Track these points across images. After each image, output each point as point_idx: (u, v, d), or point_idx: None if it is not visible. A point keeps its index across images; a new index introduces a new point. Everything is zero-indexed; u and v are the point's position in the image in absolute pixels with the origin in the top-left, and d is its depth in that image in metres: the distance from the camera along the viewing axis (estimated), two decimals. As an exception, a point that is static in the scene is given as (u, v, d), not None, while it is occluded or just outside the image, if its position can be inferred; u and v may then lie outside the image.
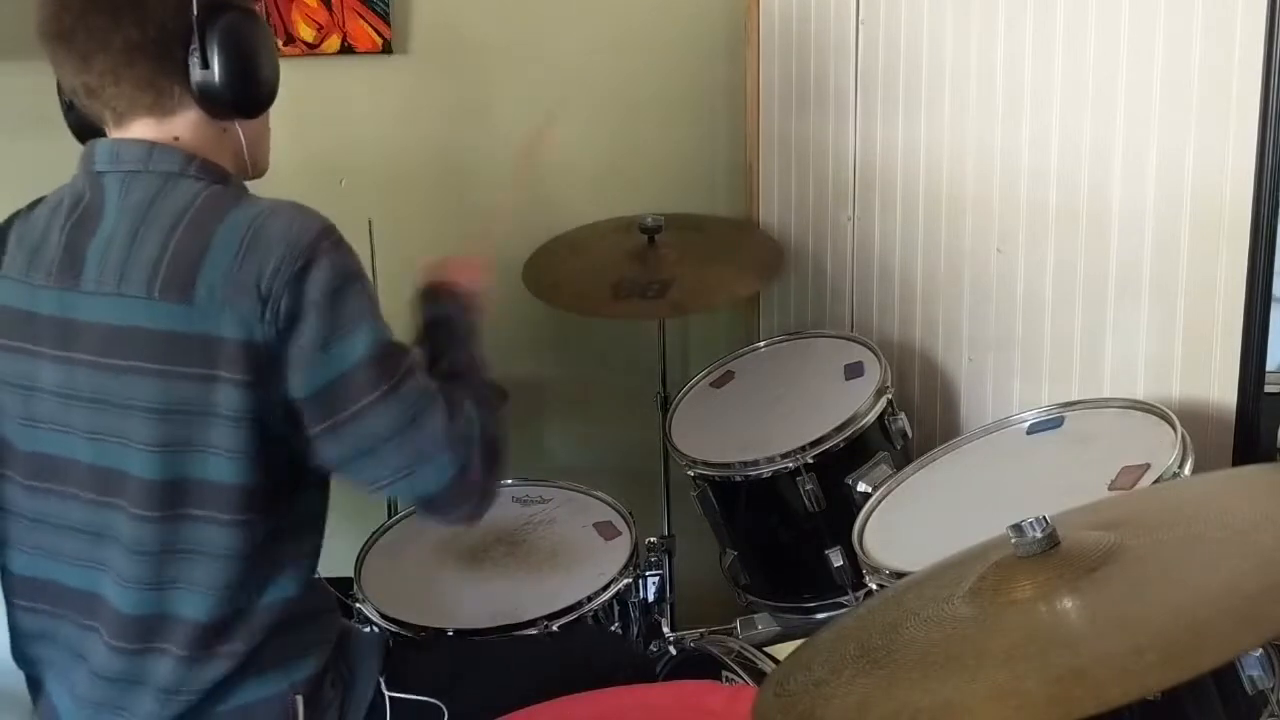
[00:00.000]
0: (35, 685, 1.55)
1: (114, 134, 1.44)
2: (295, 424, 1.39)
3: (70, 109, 1.50)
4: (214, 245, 1.35)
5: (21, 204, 1.51)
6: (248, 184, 1.51)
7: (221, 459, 1.37)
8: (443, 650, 1.81)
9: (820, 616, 2.19)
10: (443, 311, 1.62)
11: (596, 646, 1.88)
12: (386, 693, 1.55)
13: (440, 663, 1.68)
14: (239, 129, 1.47)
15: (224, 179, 1.44)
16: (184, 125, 1.43)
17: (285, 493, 1.44)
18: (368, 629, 1.87)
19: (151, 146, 1.41)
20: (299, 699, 1.46)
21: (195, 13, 1.37)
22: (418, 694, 1.56)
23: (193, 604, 1.41)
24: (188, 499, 1.38)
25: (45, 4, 1.39)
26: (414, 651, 1.77)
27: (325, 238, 1.38)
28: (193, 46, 1.38)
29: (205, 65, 1.39)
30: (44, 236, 1.44)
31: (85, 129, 1.48)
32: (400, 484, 1.42)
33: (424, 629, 1.87)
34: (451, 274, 1.67)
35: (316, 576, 1.55)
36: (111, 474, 1.40)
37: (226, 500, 1.38)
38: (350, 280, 1.38)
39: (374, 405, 1.38)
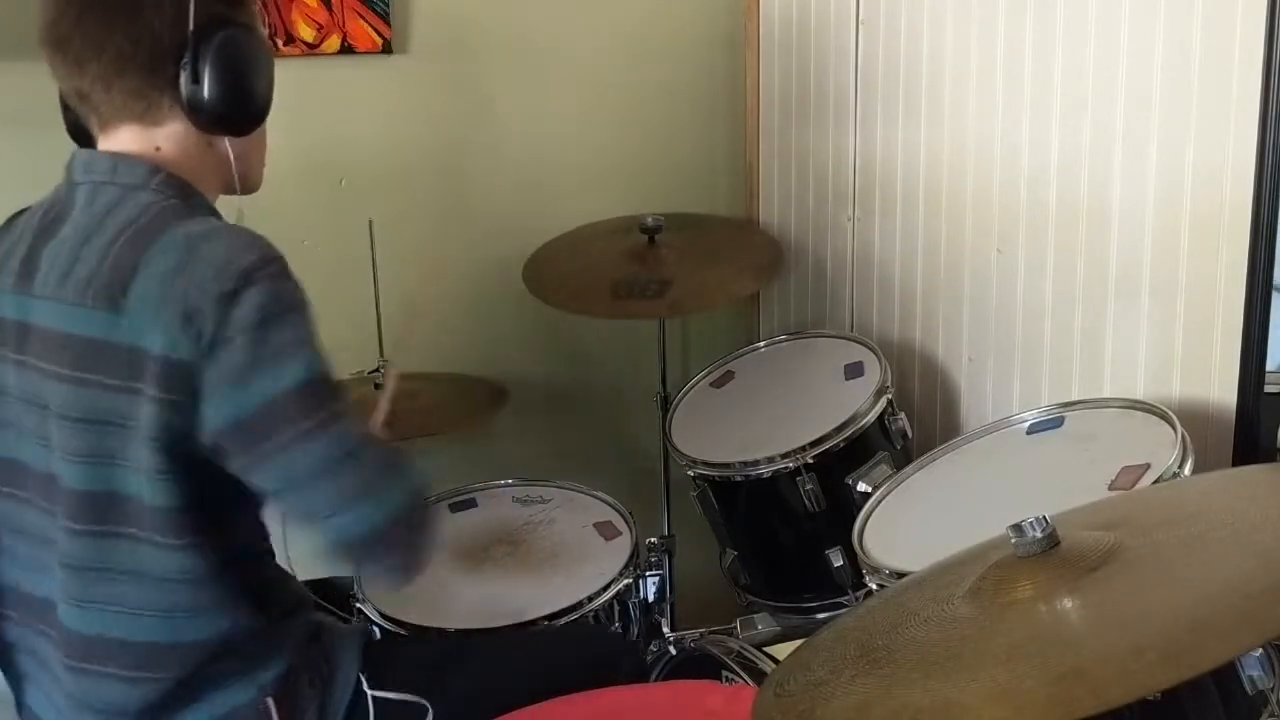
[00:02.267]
0: (17, 692, 1.54)
1: (100, 139, 1.45)
2: (217, 452, 1.35)
3: (67, 109, 1.50)
4: (151, 257, 1.33)
5: (20, 204, 1.51)
6: (242, 199, 1.50)
7: (143, 477, 1.34)
8: (427, 645, 1.79)
9: (820, 616, 2.19)
10: None
11: (586, 639, 1.87)
12: (368, 691, 1.53)
13: (425, 658, 1.66)
14: (228, 144, 1.46)
15: (187, 195, 1.42)
16: (169, 136, 1.43)
17: (224, 519, 1.40)
18: (348, 623, 1.84)
19: (119, 160, 1.41)
20: (270, 701, 1.45)
21: (192, 27, 1.37)
22: (401, 691, 1.54)
23: (128, 628, 1.38)
24: (114, 514, 1.36)
25: (44, 10, 1.40)
26: (397, 648, 1.75)
27: (264, 266, 1.33)
28: (185, 60, 1.38)
29: (196, 80, 1.38)
30: (17, 242, 1.45)
31: (80, 129, 1.48)
32: (324, 525, 1.37)
33: (424, 629, 1.86)
34: None
35: (284, 571, 1.53)
36: (50, 481, 1.39)
37: (156, 522, 1.35)
38: (285, 311, 1.33)
39: (297, 440, 1.33)
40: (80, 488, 1.36)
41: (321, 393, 1.35)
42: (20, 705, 1.54)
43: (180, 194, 1.41)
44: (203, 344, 1.30)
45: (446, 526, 1.47)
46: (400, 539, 1.42)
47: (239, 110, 1.43)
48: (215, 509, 1.39)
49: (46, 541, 1.42)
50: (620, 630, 1.97)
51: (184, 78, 1.38)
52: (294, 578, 1.58)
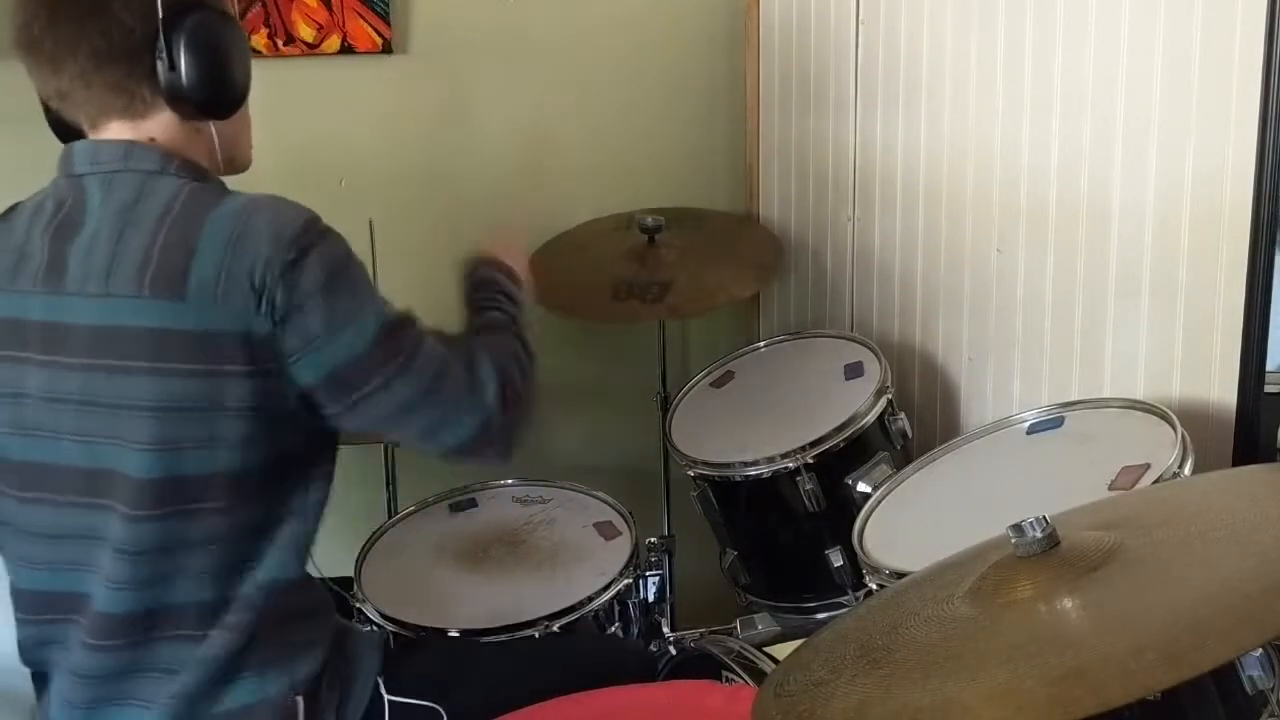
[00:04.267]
0: (41, 681, 1.55)
1: (92, 136, 1.45)
2: (311, 408, 1.42)
3: (49, 109, 1.50)
4: (203, 240, 1.36)
5: (11, 201, 1.51)
6: (229, 180, 1.51)
7: (222, 450, 1.38)
8: (440, 652, 1.80)
9: (820, 616, 2.19)
10: (488, 274, 1.70)
11: (596, 648, 1.88)
12: (386, 696, 1.55)
13: (437, 665, 1.68)
14: (213, 128, 1.47)
15: (203, 176, 1.45)
16: (158, 126, 1.44)
17: (286, 479, 1.45)
18: (368, 628, 1.86)
19: (130, 145, 1.42)
20: (299, 699, 1.46)
21: (161, 15, 1.38)
22: (415, 697, 1.56)
23: (187, 590, 1.42)
24: (185, 494, 1.39)
25: (16, 14, 1.40)
26: (411, 653, 1.76)
27: (312, 228, 1.40)
28: (159, 49, 1.38)
29: (172, 67, 1.39)
30: (26, 243, 1.44)
31: (65, 128, 1.49)
32: (426, 443, 1.50)
33: (424, 629, 1.87)
34: (499, 250, 1.75)
35: (314, 576, 1.55)
36: (101, 475, 1.40)
37: (225, 489, 1.39)
38: (344, 267, 1.41)
39: (389, 383, 1.42)
40: (151, 476, 1.37)
41: (396, 331, 1.44)
42: (43, 691, 1.54)
43: (198, 176, 1.44)
44: (277, 315, 1.36)
45: (535, 398, 1.63)
46: (500, 430, 1.52)
47: (218, 93, 1.44)
48: (286, 468, 1.45)
49: (83, 538, 1.42)
50: (627, 634, 1.97)
51: (160, 67, 1.39)
52: (320, 580, 1.60)
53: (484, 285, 1.70)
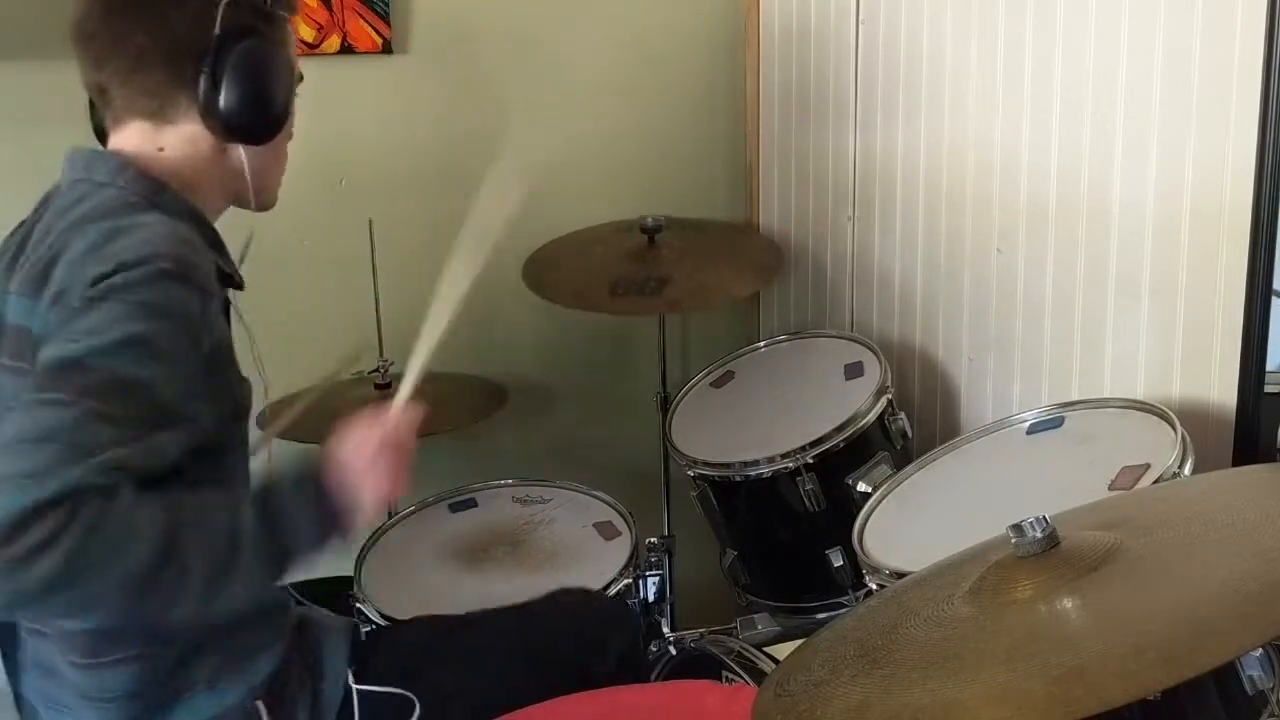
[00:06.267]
0: (15, 687, 1.53)
1: (110, 135, 1.46)
2: None
3: (94, 110, 1.51)
4: (72, 245, 1.32)
5: (23, 201, 1.51)
6: (254, 214, 1.50)
7: None
8: (408, 636, 1.75)
9: (820, 616, 2.19)
10: (321, 496, 1.32)
11: (572, 611, 1.80)
12: (354, 686, 1.52)
13: (406, 650, 1.64)
14: (243, 154, 1.46)
15: (155, 192, 1.39)
16: (178, 137, 1.43)
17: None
18: (342, 620, 1.81)
19: (96, 156, 1.42)
20: (260, 704, 1.44)
21: (218, 31, 1.38)
22: (387, 684, 1.53)
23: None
24: None
25: (75, 7, 1.41)
26: (380, 640, 1.72)
27: (148, 263, 1.26)
28: (205, 63, 1.39)
29: (215, 84, 1.39)
30: (8, 242, 1.46)
31: (102, 131, 1.50)
32: None
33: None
34: (355, 465, 1.34)
35: None
36: None
37: None
38: (126, 299, 1.23)
39: (25, 405, 1.20)
40: None
41: (84, 380, 1.19)
42: (16, 696, 1.53)
43: (147, 190, 1.39)
44: (54, 311, 1.26)
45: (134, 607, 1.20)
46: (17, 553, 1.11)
47: (253, 117, 1.42)
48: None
49: None
50: (609, 596, 1.93)
51: (203, 80, 1.39)
52: None
53: (303, 499, 1.32)
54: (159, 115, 1.42)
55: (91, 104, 1.51)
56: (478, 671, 1.60)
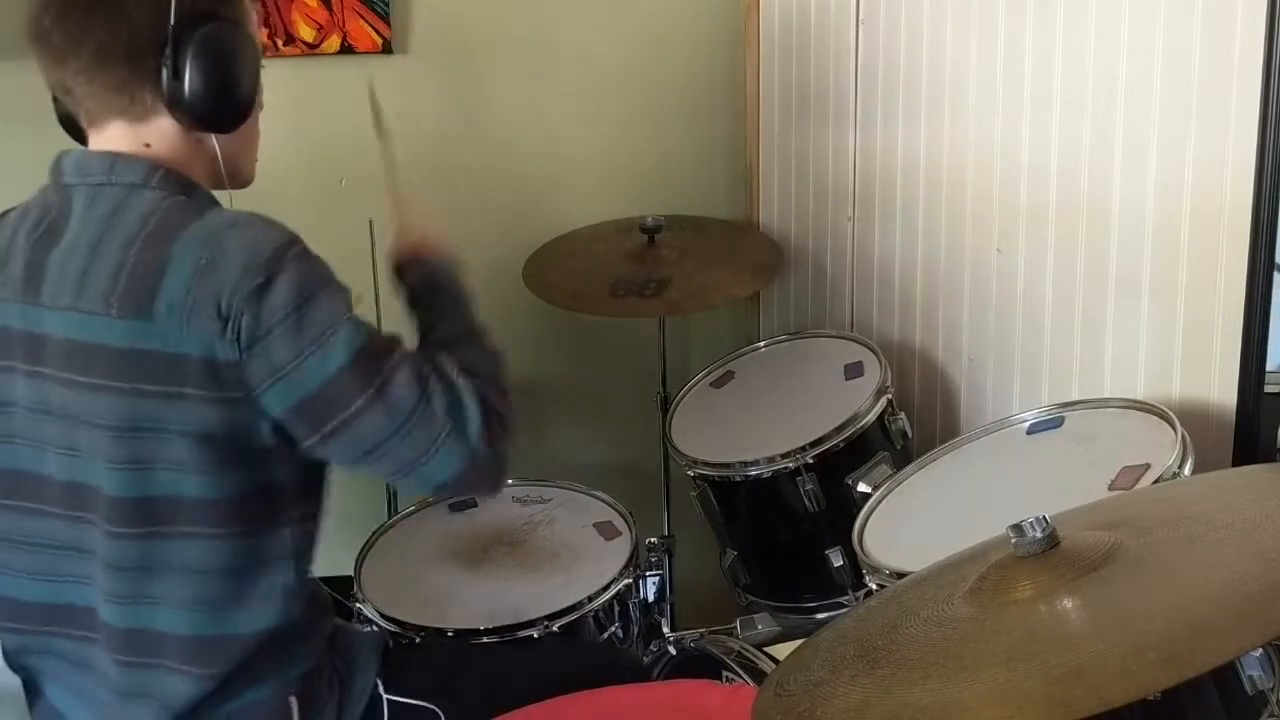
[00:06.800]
0: (32, 689, 1.54)
1: (90, 134, 1.43)
2: (285, 438, 1.37)
3: (58, 100, 1.49)
4: (173, 259, 1.32)
5: (13, 202, 1.51)
6: (238, 193, 1.50)
7: (189, 475, 1.34)
8: (439, 653, 1.80)
9: (820, 616, 2.19)
10: (425, 276, 1.60)
11: (593, 652, 1.88)
12: (385, 695, 1.54)
13: (437, 666, 1.68)
14: (214, 140, 1.44)
15: (189, 190, 1.41)
16: (156, 133, 1.41)
17: (269, 513, 1.41)
18: (367, 628, 1.86)
19: (115, 158, 1.39)
20: (293, 700, 1.46)
21: (172, 21, 1.35)
22: (413, 697, 1.55)
23: (175, 620, 1.39)
24: (161, 516, 1.36)
25: (30, 4, 1.39)
26: (410, 653, 1.76)
27: (286, 251, 1.34)
28: (165, 55, 1.36)
29: (176, 75, 1.36)
30: (10, 249, 1.43)
31: (73, 123, 1.47)
32: (412, 477, 1.41)
33: (424, 629, 1.87)
34: (420, 240, 1.64)
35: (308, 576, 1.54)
36: (83, 490, 1.38)
37: (198, 514, 1.36)
38: (316, 290, 1.35)
39: (363, 411, 1.35)
40: (124, 494, 1.35)
41: (370, 359, 1.36)
42: (35, 698, 1.53)
43: (183, 189, 1.40)
44: (243, 342, 1.31)
45: (515, 414, 1.50)
46: (486, 464, 1.43)
47: (219, 107, 1.40)
48: (266, 501, 1.40)
49: (74, 550, 1.41)
50: (627, 634, 1.97)
51: (165, 73, 1.37)
52: (315, 579, 1.58)
53: (428, 285, 1.60)
54: (130, 112, 1.40)
55: (55, 98, 1.48)
56: (503, 692, 1.61)
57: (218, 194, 1.48)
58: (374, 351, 1.37)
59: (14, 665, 1.53)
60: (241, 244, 1.33)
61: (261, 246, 1.33)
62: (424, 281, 1.60)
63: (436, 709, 1.55)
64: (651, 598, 2.01)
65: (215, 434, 1.33)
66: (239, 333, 1.31)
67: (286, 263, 1.33)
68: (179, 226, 1.35)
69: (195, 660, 1.40)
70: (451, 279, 1.61)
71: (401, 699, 1.55)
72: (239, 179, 1.51)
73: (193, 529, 1.37)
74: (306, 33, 2.40)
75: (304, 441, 1.37)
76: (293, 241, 1.36)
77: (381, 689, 1.55)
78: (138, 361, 1.32)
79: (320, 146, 2.44)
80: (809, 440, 2.11)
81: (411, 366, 1.39)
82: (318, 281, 1.36)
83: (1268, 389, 1.80)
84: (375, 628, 1.87)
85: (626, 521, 2.10)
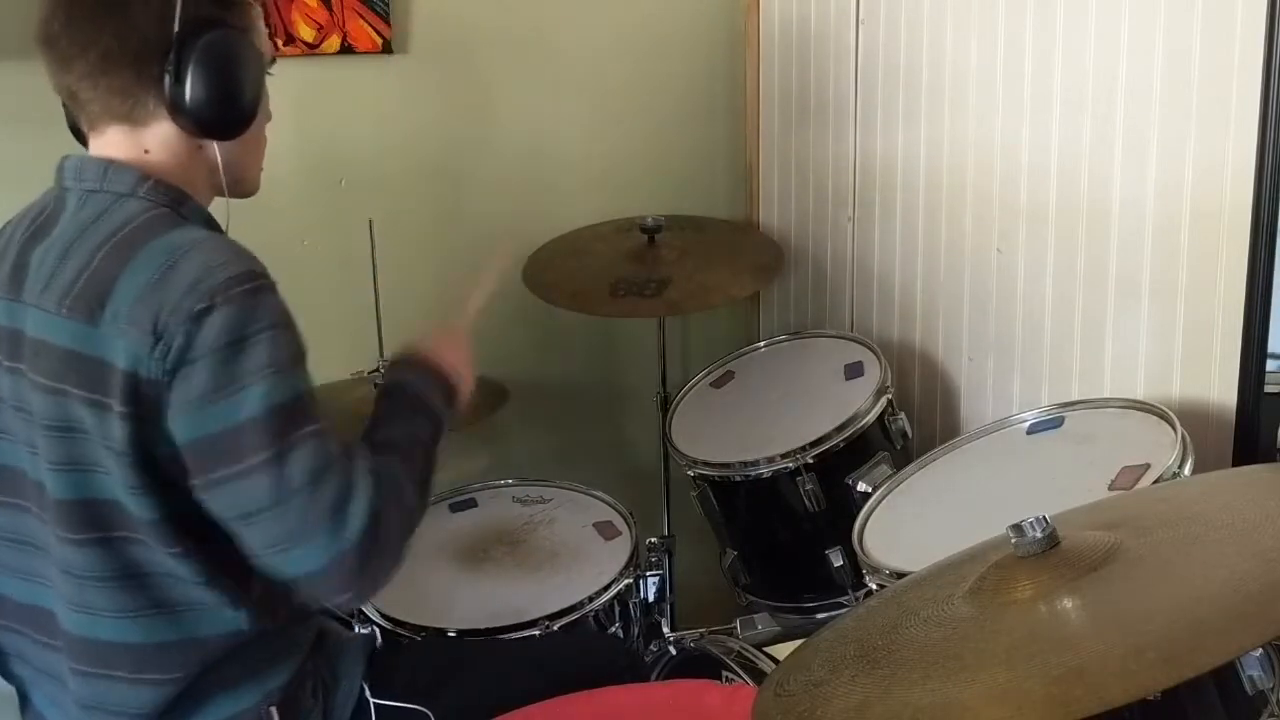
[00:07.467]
0: (23, 696, 1.54)
1: (90, 139, 1.43)
2: (183, 470, 1.31)
3: (68, 108, 1.49)
4: (129, 269, 1.30)
5: (21, 202, 1.51)
6: (236, 202, 1.48)
7: (121, 489, 1.32)
8: (427, 653, 1.79)
9: (820, 616, 2.19)
10: (412, 384, 1.52)
11: (588, 647, 1.87)
12: (371, 699, 1.53)
13: (425, 666, 1.66)
14: (215, 147, 1.43)
15: (178, 203, 1.40)
16: (156, 138, 1.40)
17: (216, 526, 1.33)
18: (367, 629, 1.85)
19: (110, 165, 1.39)
20: (273, 710, 1.44)
21: (176, 27, 1.35)
22: (402, 699, 1.54)
23: (124, 629, 1.37)
24: (103, 521, 1.34)
25: (40, 8, 1.39)
26: (398, 655, 1.74)
27: (240, 284, 1.29)
28: (168, 61, 1.36)
29: (178, 81, 1.36)
30: (6, 248, 1.44)
31: (79, 129, 1.47)
32: (269, 558, 1.31)
33: (424, 629, 1.87)
34: (439, 349, 1.57)
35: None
36: (40, 489, 1.38)
37: (146, 529, 1.33)
38: (257, 332, 1.28)
39: (251, 471, 1.28)
40: (64, 497, 1.35)
41: (283, 421, 1.28)
42: (26, 709, 1.53)
43: (171, 201, 1.39)
44: (169, 363, 1.27)
45: (409, 543, 1.39)
46: (353, 572, 1.32)
47: (221, 114, 1.39)
48: (204, 518, 1.34)
49: (43, 550, 1.41)
50: (620, 634, 1.97)
51: (167, 78, 1.36)
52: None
53: (410, 392, 1.51)
54: (132, 117, 1.39)
55: (65, 105, 1.48)
56: (494, 691, 1.61)
57: (219, 202, 1.48)
58: (290, 415, 1.29)
59: (6, 673, 1.52)
60: (196, 265, 1.29)
61: (215, 272, 1.29)
62: (409, 386, 1.52)
63: (426, 711, 1.54)
64: (651, 598, 2.01)
65: (132, 452, 1.30)
66: (168, 352, 1.27)
67: (235, 295, 1.28)
68: (146, 238, 1.33)
69: (150, 667, 1.38)
70: (434, 403, 1.51)
71: (389, 702, 1.53)
72: (242, 188, 1.49)
73: (139, 537, 1.34)
74: (306, 33, 2.40)
75: (193, 479, 1.31)
76: (252, 276, 1.30)
77: (368, 693, 1.53)
78: (75, 365, 1.31)
79: (320, 146, 2.44)
80: (809, 440, 2.11)
81: (319, 445, 1.31)
82: (262, 324, 1.29)
83: (1268, 389, 1.80)
84: (375, 628, 1.87)
85: (626, 521, 2.10)
